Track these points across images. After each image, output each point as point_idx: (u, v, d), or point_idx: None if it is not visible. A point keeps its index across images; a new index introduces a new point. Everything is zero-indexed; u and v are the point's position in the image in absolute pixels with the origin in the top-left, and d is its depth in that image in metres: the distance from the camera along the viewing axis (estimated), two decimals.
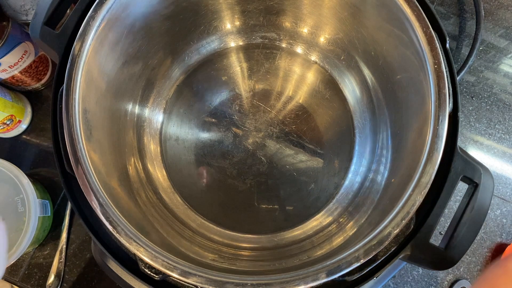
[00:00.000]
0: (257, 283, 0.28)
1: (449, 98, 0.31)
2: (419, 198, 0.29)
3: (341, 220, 0.42)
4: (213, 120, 0.47)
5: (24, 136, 0.52)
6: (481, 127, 0.52)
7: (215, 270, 0.29)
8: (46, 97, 0.54)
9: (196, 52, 0.49)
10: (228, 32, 0.49)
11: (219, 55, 0.49)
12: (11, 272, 0.48)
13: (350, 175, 0.45)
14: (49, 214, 0.48)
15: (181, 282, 0.30)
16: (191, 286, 0.29)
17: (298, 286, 0.28)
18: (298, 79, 0.49)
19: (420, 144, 0.31)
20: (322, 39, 0.47)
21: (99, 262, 0.32)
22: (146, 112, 0.46)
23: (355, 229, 0.38)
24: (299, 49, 0.49)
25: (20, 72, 0.48)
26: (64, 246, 0.48)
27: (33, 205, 0.43)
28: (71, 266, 0.48)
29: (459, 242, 0.30)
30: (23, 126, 0.52)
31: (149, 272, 0.29)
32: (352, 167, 0.45)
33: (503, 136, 0.52)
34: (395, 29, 0.36)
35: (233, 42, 0.49)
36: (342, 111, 0.47)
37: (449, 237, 0.31)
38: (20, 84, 0.50)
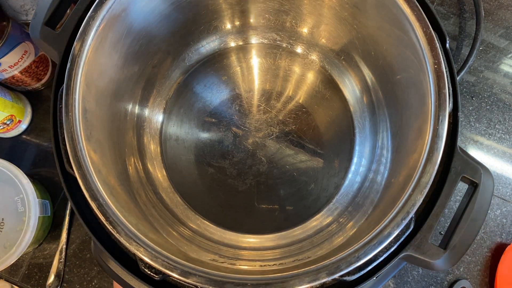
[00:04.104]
0: (257, 283, 0.28)
1: (449, 98, 0.31)
2: (419, 198, 0.29)
3: (341, 220, 0.42)
4: (213, 120, 0.47)
5: (24, 136, 0.52)
6: (481, 127, 0.52)
7: (215, 270, 0.29)
8: (46, 97, 0.54)
9: (196, 52, 0.49)
10: (228, 32, 0.49)
11: (219, 55, 0.49)
12: (11, 272, 0.48)
13: (350, 175, 0.45)
14: (49, 214, 0.48)
15: (181, 282, 0.30)
16: (191, 286, 0.29)
17: (298, 286, 0.28)
18: (298, 79, 0.49)
19: (420, 144, 0.31)
20: (322, 39, 0.47)
21: (99, 262, 0.32)
22: (146, 112, 0.46)
23: (355, 229, 0.38)
24: (299, 49, 0.49)
25: (20, 72, 0.48)
26: (64, 246, 0.48)
27: (33, 205, 0.43)
28: (71, 266, 0.48)
29: (459, 242, 0.30)
30: (23, 126, 0.52)
31: (149, 272, 0.29)
32: (352, 167, 0.45)
33: (503, 136, 0.52)
34: (395, 29, 0.36)
35: (233, 42, 0.49)
36: (342, 111, 0.47)
37: (449, 237, 0.31)
38: (20, 84, 0.50)
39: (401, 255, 0.30)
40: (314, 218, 0.44)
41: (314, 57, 0.48)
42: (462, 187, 0.48)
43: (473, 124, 0.52)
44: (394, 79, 0.39)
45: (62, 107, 0.32)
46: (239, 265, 0.37)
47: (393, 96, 0.40)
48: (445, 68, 0.32)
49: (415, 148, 0.32)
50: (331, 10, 0.43)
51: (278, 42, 0.49)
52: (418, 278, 0.47)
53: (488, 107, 0.53)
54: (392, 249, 0.30)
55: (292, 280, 0.28)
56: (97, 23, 0.34)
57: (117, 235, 0.29)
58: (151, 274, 0.29)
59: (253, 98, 0.48)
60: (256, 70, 0.49)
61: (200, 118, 0.47)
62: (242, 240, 0.43)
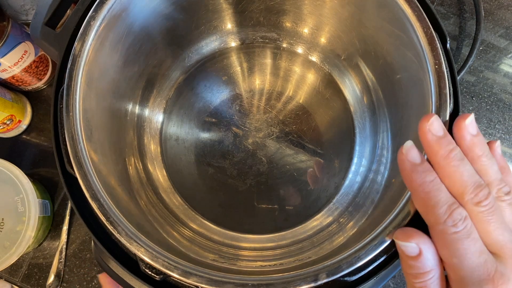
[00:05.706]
0: (257, 283, 0.28)
1: (450, 98, 0.31)
2: None
3: (341, 220, 0.42)
4: (213, 120, 0.47)
5: (24, 136, 0.52)
6: (481, 127, 0.52)
7: (215, 270, 0.29)
8: (46, 97, 0.54)
9: (196, 52, 0.49)
10: (228, 32, 0.49)
11: (219, 55, 0.49)
12: (11, 272, 0.48)
13: (350, 175, 0.45)
14: (49, 214, 0.48)
15: (181, 282, 0.30)
16: (191, 286, 0.29)
17: (298, 286, 0.28)
18: (298, 79, 0.49)
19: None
20: (322, 39, 0.47)
21: (99, 262, 0.32)
22: (146, 112, 0.46)
23: (355, 229, 0.38)
24: (299, 49, 0.49)
25: (20, 72, 0.48)
26: (64, 246, 0.48)
27: (33, 205, 0.43)
28: (71, 266, 0.48)
29: None
30: (23, 126, 0.52)
31: (149, 273, 0.29)
32: (352, 167, 0.45)
33: (503, 136, 0.52)
34: (396, 29, 0.36)
35: (233, 42, 0.49)
36: (342, 111, 0.47)
37: None
38: (20, 84, 0.50)
39: None
40: (314, 218, 0.44)
41: (314, 57, 0.48)
42: None
43: None
44: (394, 79, 0.39)
45: (62, 107, 0.32)
46: (240, 265, 0.37)
47: (393, 96, 0.40)
48: (446, 68, 0.32)
49: None
50: (331, 10, 0.43)
51: (278, 42, 0.49)
52: None
53: (488, 107, 0.53)
54: (393, 249, 0.30)
55: (293, 280, 0.28)
56: (98, 23, 0.34)
57: (117, 235, 0.29)
58: (152, 274, 0.29)
59: (253, 98, 0.48)
60: (256, 70, 0.49)
61: (200, 118, 0.47)
62: (243, 240, 0.43)
